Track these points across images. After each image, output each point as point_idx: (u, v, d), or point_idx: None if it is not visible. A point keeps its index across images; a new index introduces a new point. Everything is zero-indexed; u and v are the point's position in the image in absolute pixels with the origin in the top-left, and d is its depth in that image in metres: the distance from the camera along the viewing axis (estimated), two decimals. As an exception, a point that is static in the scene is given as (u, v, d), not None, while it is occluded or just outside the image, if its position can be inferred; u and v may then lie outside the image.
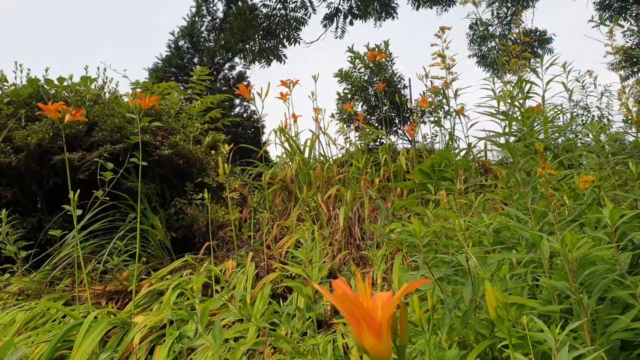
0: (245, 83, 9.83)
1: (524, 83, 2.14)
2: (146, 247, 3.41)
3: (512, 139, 2.41)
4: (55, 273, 2.88)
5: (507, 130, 2.22)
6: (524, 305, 1.39)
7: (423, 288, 1.60)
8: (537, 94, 2.20)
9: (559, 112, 2.23)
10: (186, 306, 2.60)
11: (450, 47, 2.86)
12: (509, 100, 1.90)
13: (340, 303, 0.52)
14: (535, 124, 2.12)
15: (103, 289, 2.81)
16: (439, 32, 2.80)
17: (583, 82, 4.26)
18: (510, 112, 2.08)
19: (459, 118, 2.83)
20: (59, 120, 2.45)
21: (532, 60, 2.69)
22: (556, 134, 2.14)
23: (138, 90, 4.02)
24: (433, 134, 5.76)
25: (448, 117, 5.91)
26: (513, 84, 2.17)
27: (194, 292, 1.79)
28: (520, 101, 2.20)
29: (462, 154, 3.73)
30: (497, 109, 2.25)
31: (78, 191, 2.44)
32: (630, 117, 2.25)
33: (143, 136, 3.30)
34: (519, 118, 2.12)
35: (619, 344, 1.24)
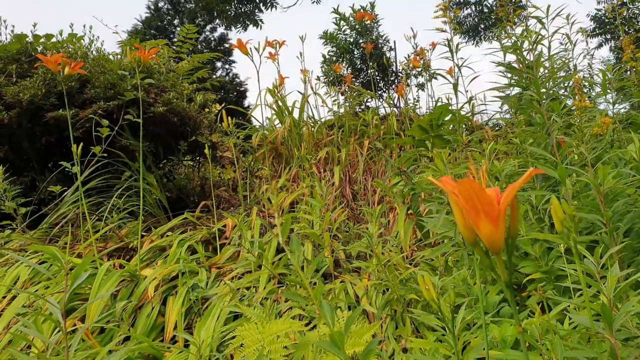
0: (227, 45, 9.71)
1: (531, 34, 2.17)
2: (143, 205, 3.38)
3: (515, 90, 2.45)
4: (55, 230, 2.85)
5: (513, 81, 2.27)
6: (548, 241, 1.44)
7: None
8: (544, 45, 2.23)
9: (563, 64, 2.27)
10: (192, 260, 2.62)
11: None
12: (528, 50, 1.93)
13: (463, 191, 0.54)
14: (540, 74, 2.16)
15: (104, 245, 2.80)
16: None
17: (566, 43, 4.30)
18: (520, 65, 2.12)
19: (460, 72, 2.85)
20: (59, 72, 2.39)
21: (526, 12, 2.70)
22: (561, 84, 2.19)
23: (127, 47, 3.92)
24: (415, 98, 5.77)
25: (433, 79, 5.93)
26: (519, 35, 2.20)
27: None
28: (525, 54, 2.23)
29: (462, 110, 3.77)
30: (504, 63, 2.29)
31: (82, 145, 2.40)
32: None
33: (137, 93, 3.24)
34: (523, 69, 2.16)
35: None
